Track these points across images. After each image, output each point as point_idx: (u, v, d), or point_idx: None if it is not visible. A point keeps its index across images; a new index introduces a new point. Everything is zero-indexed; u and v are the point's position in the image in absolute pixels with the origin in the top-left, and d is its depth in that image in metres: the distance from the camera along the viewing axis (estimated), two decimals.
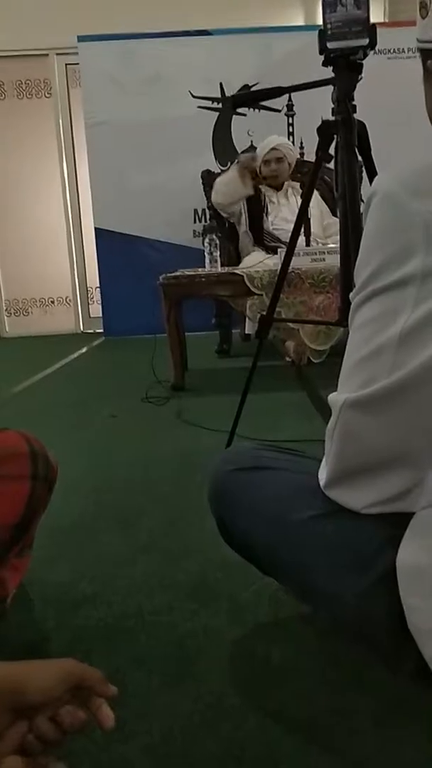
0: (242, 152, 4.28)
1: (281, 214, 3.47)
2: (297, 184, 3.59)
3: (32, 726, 0.54)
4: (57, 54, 4.94)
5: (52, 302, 5.47)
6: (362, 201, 0.73)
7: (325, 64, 1.38)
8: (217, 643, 0.95)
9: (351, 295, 0.70)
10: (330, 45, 1.32)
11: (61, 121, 5.08)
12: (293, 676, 0.86)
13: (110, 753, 0.74)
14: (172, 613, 1.03)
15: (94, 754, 0.74)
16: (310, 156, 4.17)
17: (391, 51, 4.22)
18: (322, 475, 0.75)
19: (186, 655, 0.92)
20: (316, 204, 3.43)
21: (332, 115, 1.42)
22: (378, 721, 0.77)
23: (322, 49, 1.33)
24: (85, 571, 1.19)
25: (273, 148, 3.47)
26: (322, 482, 0.75)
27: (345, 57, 1.34)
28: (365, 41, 1.31)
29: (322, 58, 1.39)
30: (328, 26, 1.31)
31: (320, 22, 1.35)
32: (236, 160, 3.44)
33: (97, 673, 0.57)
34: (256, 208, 3.50)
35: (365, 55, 1.35)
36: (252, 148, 3.84)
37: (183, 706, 0.81)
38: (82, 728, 0.54)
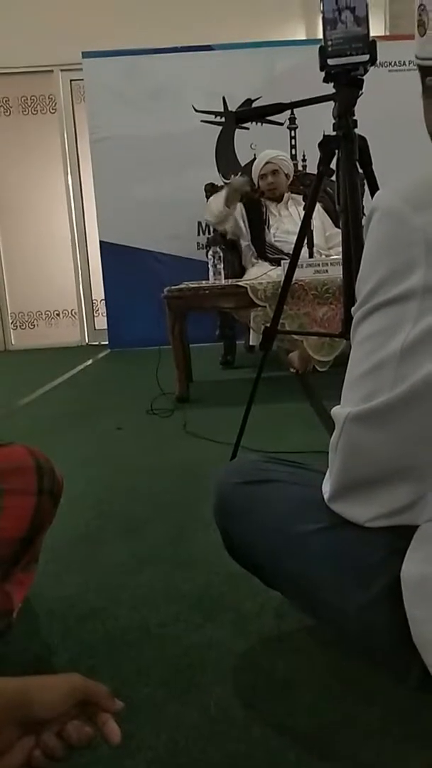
0: (245, 165, 4.32)
1: (283, 227, 3.49)
2: (299, 197, 3.62)
3: (39, 741, 0.54)
4: (62, 70, 5.01)
5: (58, 315, 5.51)
6: (364, 215, 0.74)
7: (326, 80, 1.40)
8: (222, 655, 0.95)
9: (353, 309, 0.70)
10: (330, 62, 1.34)
11: (66, 136, 5.14)
12: (298, 688, 0.86)
13: (116, 766, 0.74)
14: (177, 625, 1.04)
15: (100, 767, 0.74)
16: (313, 168, 4.21)
17: (392, 64, 4.26)
18: (326, 489, 0.75)
19: (191, 667, 0.92)
20: (318, 215, 3.45)
21: (333, 129, 1.44)
22: (382, 732, 0.77)
23: (323, 66, 1.35)
24: (90, 583, 1.19)
25: (267, 162, 3.52)
26: (326, 495, 0.75)
27: (346, 73, 1.36)
28: (365, 57, 1.32)
29: (323, 73, 1.40)
30: (329, 43, 1.32)
31: (321, 36, 1.37)
32: (230, 182, 3.46)
33: (102, 689, 0.57)
34: (257, 221, 3.53)
35: (366, 71, 1.37)
36: (255, 160, 3.88)
37: (188, 719, 0.81)
38: (89, 743, 0.55)
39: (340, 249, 1.59)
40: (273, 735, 0.78)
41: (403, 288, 0.63)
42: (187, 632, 1.01)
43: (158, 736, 0.79)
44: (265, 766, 0.74)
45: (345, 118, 1.39)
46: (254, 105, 4.37)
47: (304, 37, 4.94)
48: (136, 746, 0.77)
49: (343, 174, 1.40)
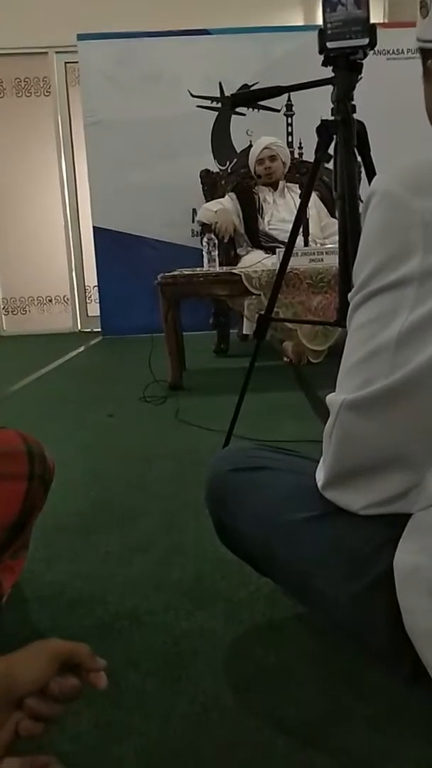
0: (240, 152, 4.28)
1: (278, 215, 3.48)
2: (295, 185, 3.60)
3: (24, 708, 0.54)
4: (56, 52, 4.94)
5: (50, 301, 5.47)
6: (361, 201, 0.73)
7: (324, 63, 1.38)
8: (212, 644, 0.94)
9: (349, 295, 0.69)
10: (330, 44, 1.32)
11: (60, 119, 5.08)
12: (289, 678, 0.86)
13: (105, 754, 0.74)
14: (168, 613, 1.03)
15: (88, 755, 0.73)
16: (309, 156, 4.18)
17: (391, 52, 4.23)
18: (320, 476, 0.75)
19: (181, 655, 0.92)
20: (314, 204, 3.43)
21: (331, 114, 1.42)
22: (374, 724, 0.77)
23: (322, 49, 1.33)
24: (80, 570, 1.18)
25: (266, 147, 3.51)
26: (319, 483, 0.74)
27: (345, 57, 1.34)
28: (365, 41, 1.31)
29: (321, 58, 1.38)
30: (328, 26, 1.30)
31: (319, 22, 1.35)
32: (214, 224, 3.39)
33: (83, 648, 0.56)
34: (251, 210, 3.51)
35: (365, 55, 1.35)
36: (251, 147, 3.85)
37: (178, 707, 0.81)
38: (75, 695, 0.54)
39: (335, 238, 1.57)
40: (263, 725, 0.77)
41: (400, 273, 0.62)
42: (177, 620, 1.01)
43: (147, 723, 0.78)
44: (254, 756, 0.73)
45: (344, 102, 1.37)
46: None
47: (302, 23, 4.89)
48: (125, 733, 0.77)
49: (340, 160, 1.39)
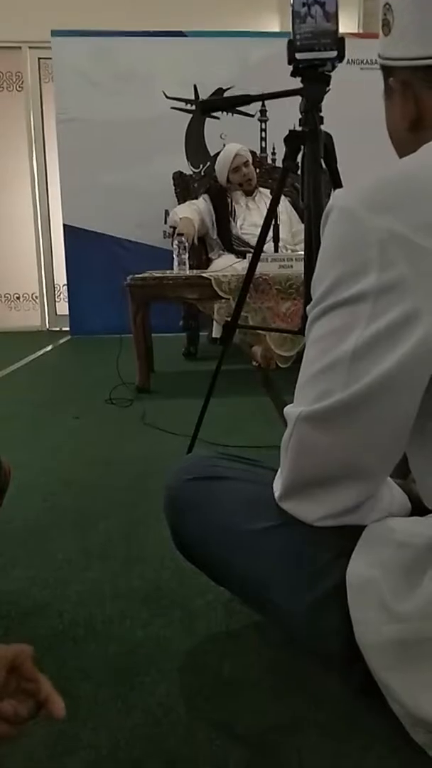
0: (214, 155, 4.28)
1: (251, 219, 3.48)
2: (267, 191, 3.61)
3: None
4: (30, 47, 4.87)
5: (18, 298, 5.39)
6: None
7: (293, 74, 1.38)
8: (168, 653, 0.94)
9: (308, 308, 0.70)
10: (299, 56, 1.32)
11: (32, 115, 5.01)
12: (244, 688, 0.86)
13: (55, 765, 0.73)
14: (124, 622, 1.02)
15: (38, 766, 0.72)
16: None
17: (364, 62, 4.26)
18: (277, 487, 0.75)
19: (136, 665, 0.91)
20: (286, 210, 3.45)
21: (300, 125, 1.43)
22: (329, 733, 0.77)
23: (291, 60, 1.34)
24: (36, 577, 1.17)
25: (237, 154, 3.45)
26: (276, 494, 0.75)
27: (313, 68, 1.35)
28: (333, 54, 1.31)
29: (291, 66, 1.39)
30: (297, 37, 1.31)
31: None
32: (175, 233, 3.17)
33: (26, 649, 0.60)
34: (224, 213, 3.50)
35: (333, 67, 1.36)
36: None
37: (131, 719, 0.80)
38: (29, 716, 0.55)
39: None
40: (217, 737, 0.77)
41: (356, 289, 0.63)
42: (133, 629, 1.00)
43: (98, 736, 0.77)
44: None
45: (311, 113, 1.38)
46: (225, 95, 4.33)
47: (278, 30, 4.91)
48: (75, 746, 0.76)
49: (307, 170, 1.40)
